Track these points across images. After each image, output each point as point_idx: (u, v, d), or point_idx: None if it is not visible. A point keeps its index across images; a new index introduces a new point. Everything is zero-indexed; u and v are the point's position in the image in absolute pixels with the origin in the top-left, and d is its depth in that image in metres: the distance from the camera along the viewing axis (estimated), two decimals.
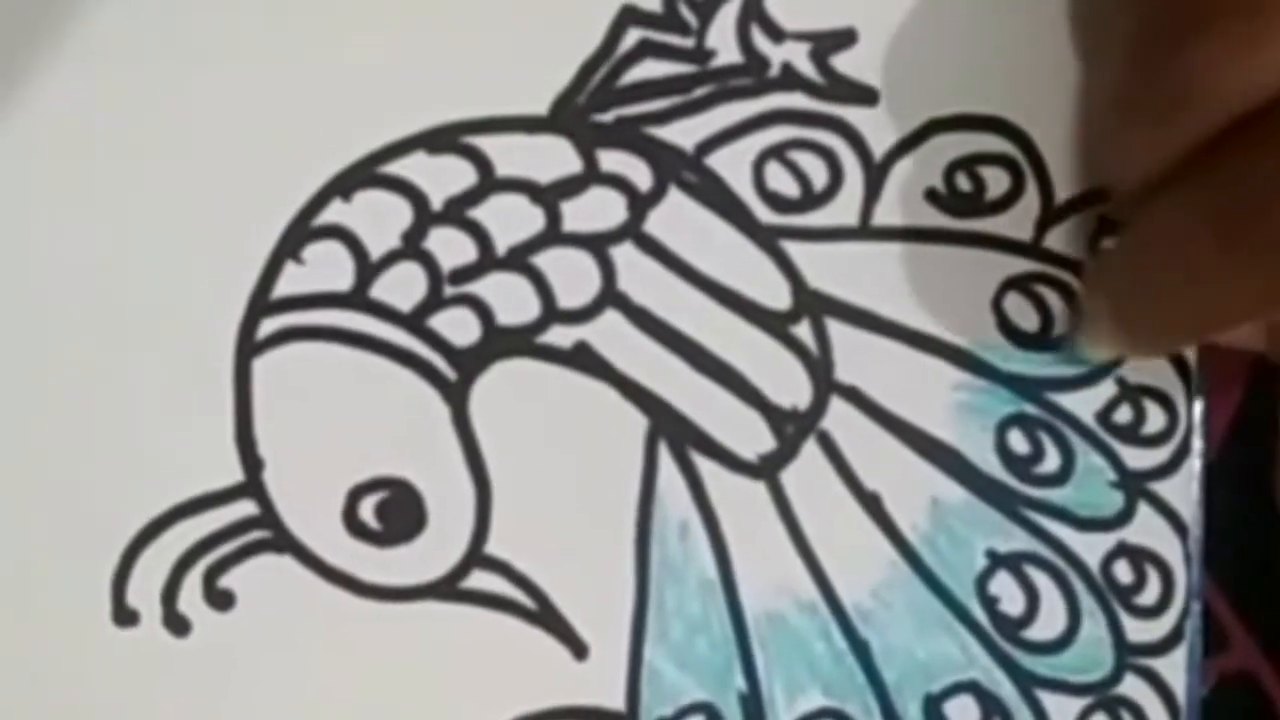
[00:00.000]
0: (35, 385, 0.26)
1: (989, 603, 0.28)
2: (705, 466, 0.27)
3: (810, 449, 0.28)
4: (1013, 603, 0.28)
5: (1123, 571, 0.29)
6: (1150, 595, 0.29)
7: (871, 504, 0.28)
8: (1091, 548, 0.29)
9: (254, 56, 0.26)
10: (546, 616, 0.27)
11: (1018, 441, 0.28)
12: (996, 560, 0.28)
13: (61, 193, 0.26)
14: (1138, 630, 0.29)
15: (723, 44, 0.28)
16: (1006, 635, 0.28)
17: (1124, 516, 0.29)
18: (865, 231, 0.28)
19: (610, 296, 0.27)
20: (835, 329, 0.28)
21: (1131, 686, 0.29)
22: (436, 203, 0.27)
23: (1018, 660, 0.28)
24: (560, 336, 0.27)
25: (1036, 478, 0.28)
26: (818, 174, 0.28)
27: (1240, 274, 0.23)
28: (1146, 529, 0.29)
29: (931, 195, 0.28)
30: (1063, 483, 0.28)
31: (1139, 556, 0.29)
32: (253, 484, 0.26)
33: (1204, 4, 0.23)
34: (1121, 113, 0.25)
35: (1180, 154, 0.24)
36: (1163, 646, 0.29)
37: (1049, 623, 0.28)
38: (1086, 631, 0.28)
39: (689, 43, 0.27)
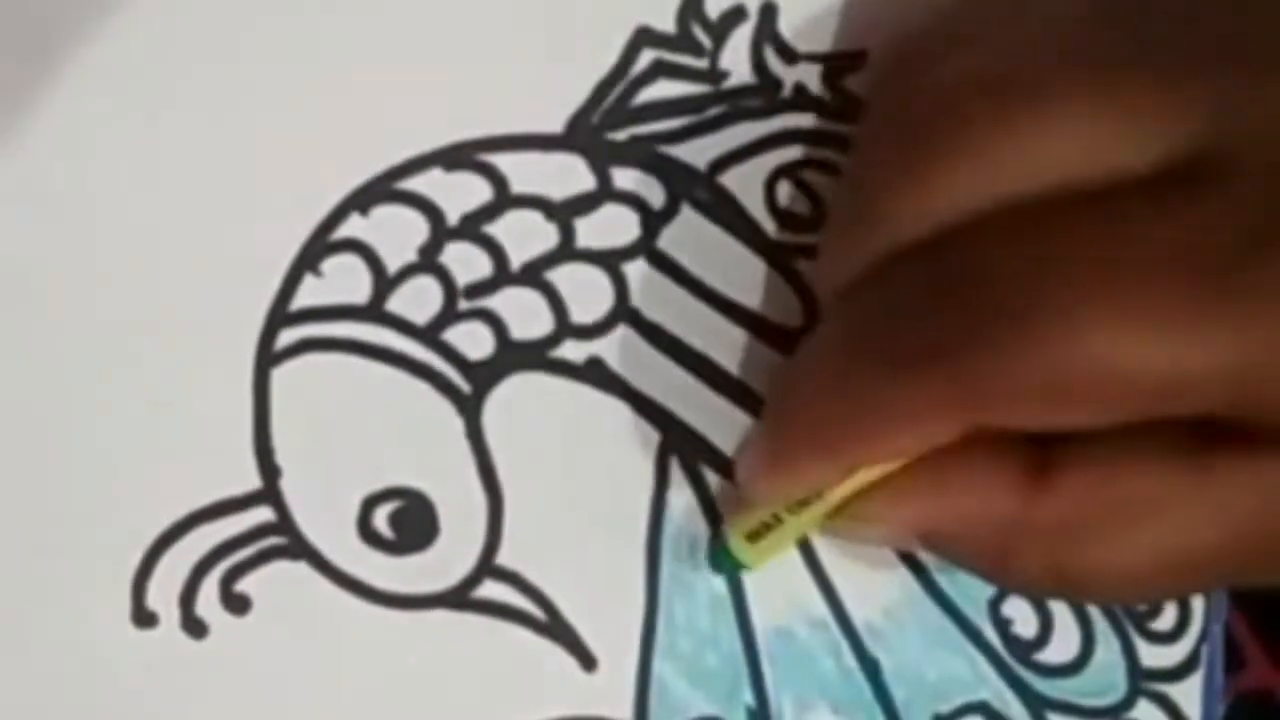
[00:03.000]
0: (59, 393, 0.26)
1: (1002, 625, 0.28)
2: (716, 482, 0.28)
3: None
4: (1026, 625, 0.28)
5: None
6: (1166, 621, 0.29)
7: None
8: None
9: (276, 76, 0.27)
10: (556, 628, 0.27)
11: None
12: None
13: (87, 204, 0.27)
14: (1153, 655, 0.29)
15: (736, 65, 0.28)
16: (1019, 657, 0.28)
17: None
18: None
19: (623, 312, 0.28)
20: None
21: (1145, 712, 0.28)
22: (453, 218, 0.27)
23: (1029, 682, 0.28)
24: (573, 351, 0.27)
25: None
26: (828, 192, 0.28)
27: (884, 378, 0.23)
28: None
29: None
30: None
31: None
32: (270, 491, 0.27)
33: (889, 130, 0.24)
34: (827, 226, 0.26)
35: (858, 271, 0.24)
36: (1178, 672, 0.29)
37: (1062, 646, 0.28)
38: (1100, 656, 0.28)
39: (703, 63, 0.28)
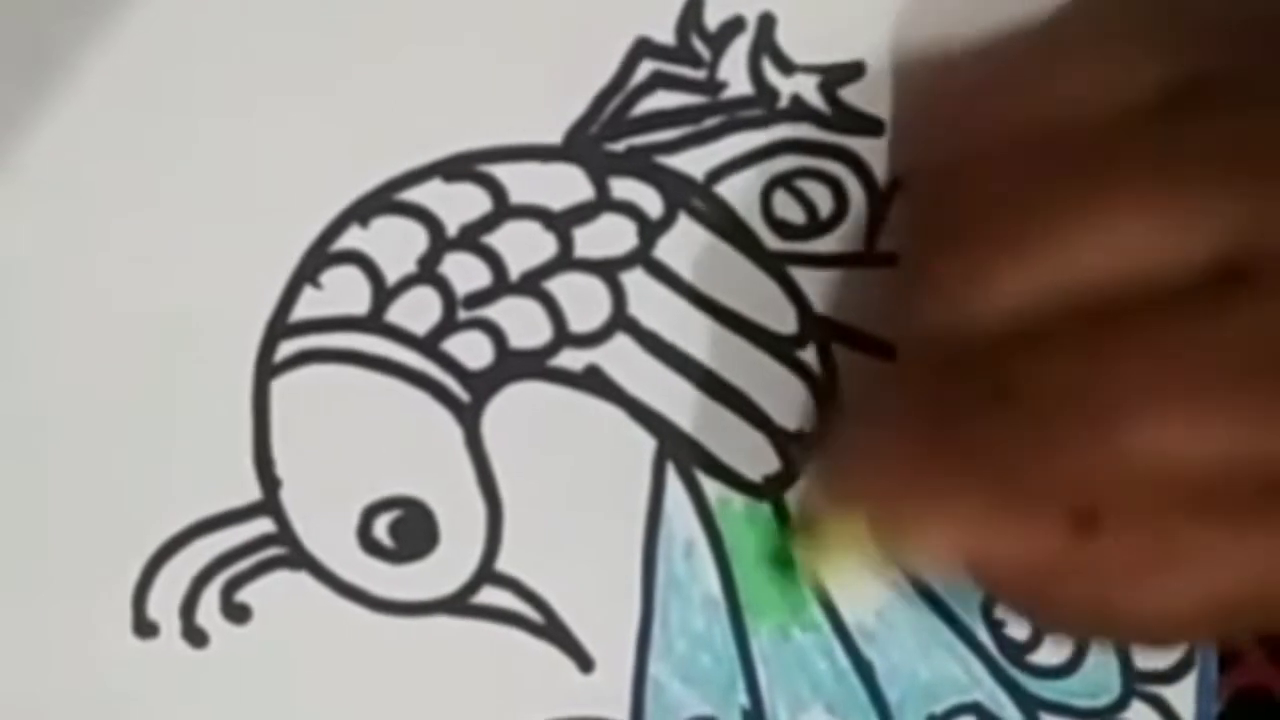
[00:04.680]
0: (59, 404, 0.27)
1: (995, 626, 0.28)
2: (711, 487, 0.28)
3: (815, 471, 0.28)
4: (1019, 627, 0.29)
5: None
6: None
7: None
8: None
9: (275, 86, 0.27)
10: (554, 631, 0.27)
11: None
12: None
13: (86, 216, 0.27)
14: (1146, 657, 0.29)
15: (734, 76, 0.28)
16: (1012, 659, 0.28)
17: None
18: (870, 258, 0.28)
19: (620, 321, 0.28)
20: (841, 353, 0.28)
21: (1139, 713, 0.29)
22: (452, 229, 0.27)
23: (1022, 684, 0.28)
24: (571, 360, 0.28)
25: None
26: (824, 202, 0.28)
27: (941, 467, 0.24)
28: None
29: None
30: None
31: None
32: (270, 502, 0.27)
33: (956, 218, 0.24)
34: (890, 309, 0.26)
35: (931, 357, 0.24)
36: (1172, 674, 0.29)
37: (1055, 647, 0.29)
38: (1093, 657, 0.29)
39: (701, 74, 0.28)
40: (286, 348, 0.27)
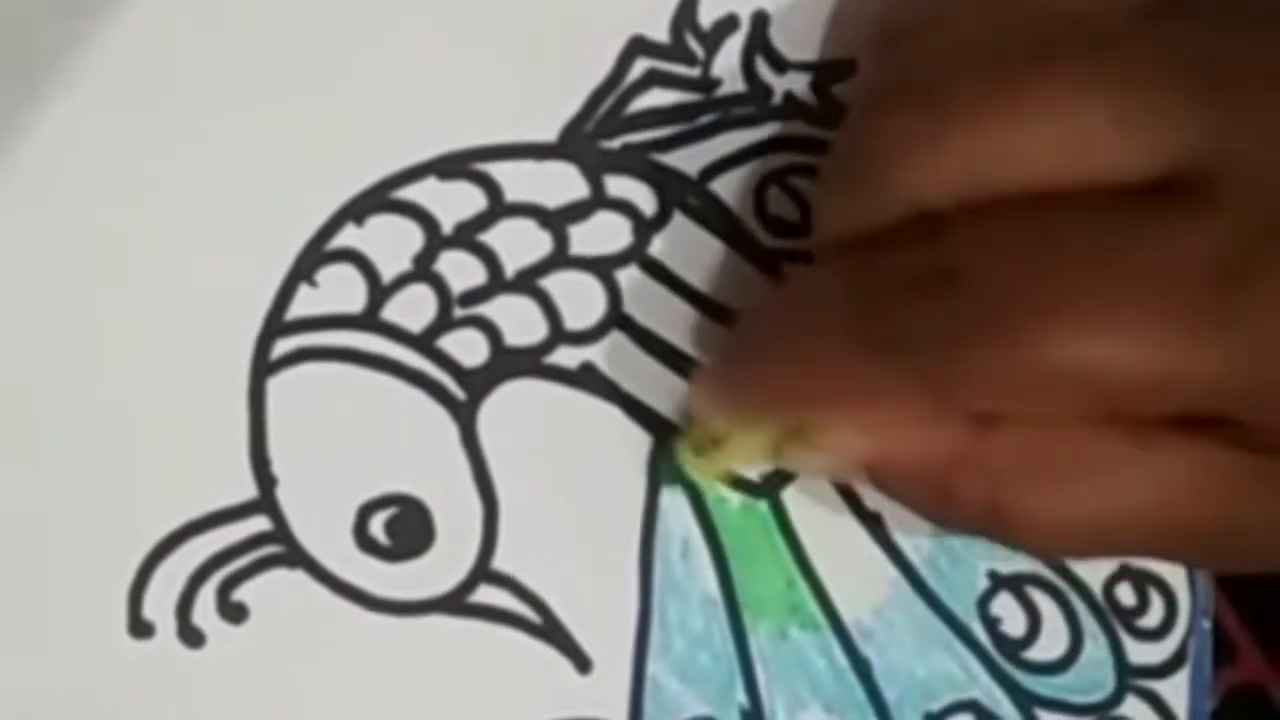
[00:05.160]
0: (55, 403, 0.26)
1: (990, 623, 0.29)
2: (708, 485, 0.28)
3: None
4: (1014, 623, 0.29)
5: (1125, 594, 0.29)
6: (1153, 618, 0.29)
7: (872, 524, 0.29)
8: (1094, 569, 0.29)
9: (269, 84, 0.27)
10: (551, 631, 0.27)
11: None
12: (998, 581, 0.29)
13: (80, 214, 0.27)
14: (1140, 652, 0.29)
15: (728, 74, 0.28)
16: (1008, 655, 0.28)
17: None
18: None
19: (616, 318, 0.28)
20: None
21: (1133, 708, 0.29)
22: (447, 227, 0.27)
23: (1018, 680, 0.29)
24: (567, 357, 0.28)
25: None
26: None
27: (858, 358, 0.23)
28: None
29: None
30: None
31: (1142, 579, 0.29)
32: (266, 500, 0.27)
33: (903, 84, 0.24)
34: (823, 173, 0.26)
35: (859, 230, 0.24)
36: (1166, 669, 0.29)
37: (1050, 644, 0.29)
38: (1088, 653, 0.29)
39: (695, 72, 0.28)
40: (282, 346, 0.27)
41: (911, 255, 0.23)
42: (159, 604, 0.26)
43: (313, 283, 0.27)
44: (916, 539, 0.29)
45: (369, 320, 0.27)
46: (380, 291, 0.27)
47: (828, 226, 0.25)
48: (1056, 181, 0.22)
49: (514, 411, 0.27)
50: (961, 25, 0.24)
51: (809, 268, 0.26)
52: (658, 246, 0.28)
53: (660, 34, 0.28)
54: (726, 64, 0.28)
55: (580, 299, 0.28)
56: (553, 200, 0.28)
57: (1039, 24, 0.23)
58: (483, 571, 0.27)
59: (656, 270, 0.28)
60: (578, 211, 0.28)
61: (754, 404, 0.25)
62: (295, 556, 0.27)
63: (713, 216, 0.28)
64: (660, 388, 0.28)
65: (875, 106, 0.24)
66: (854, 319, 0.23)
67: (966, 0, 0.24)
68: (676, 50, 0.28)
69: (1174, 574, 0.29)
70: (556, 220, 0.28)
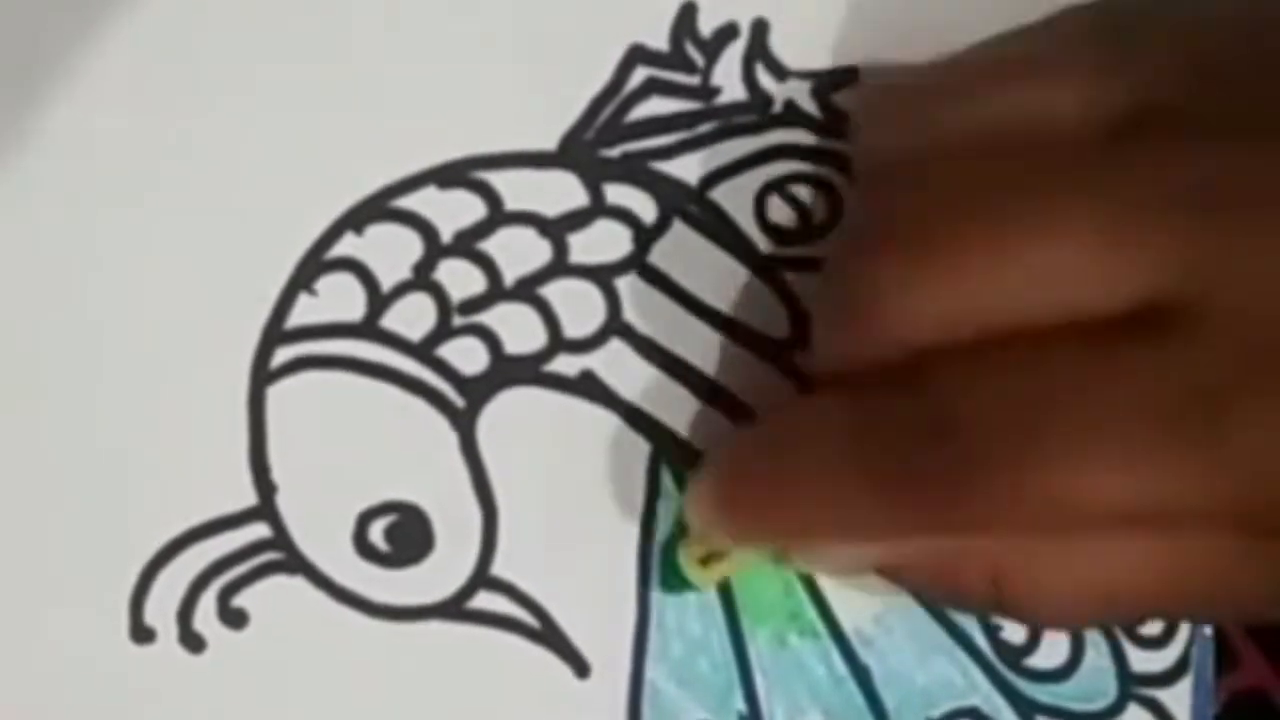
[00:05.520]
0: (56, 410, 0.27)
1: (991, 630, 0.28)
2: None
3: None
4: (1015, 631, 0.29)
5: None
6: (1155, 625, 0.29)
7: None
8: None
9: (269, 93, 0.27)
10: (550, 636, 0.27)
11: None
12: None
13: (81, 222, 0.27)
14: (1142, 660, 0.29)
15: (728, 81, 0.28)
16: (1008, 663, 0.28)
17: None
18: None
19: (615, 326, 0.28)
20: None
21: (1135, 716, 0.29)
22: (446, 235, 0.28)
23: (1019, 688, 0.28)
24: (566, 365, 0.28)
25: None
26: (817, 207, 0.28)
27: (859, 499, 0.24)
28: None
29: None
30: None
31: None
32: (266, 507, 0.27)
33: (887, 227, 0.24)
34: (817, 307, 0.26)
35: (853, 366, 0.24)
36: (1168, 677, 0.29)
37: (1051, 651, 0.29)
38: (1089, 661, 0.29)
39: (695, 80, 0.28)
40: (282, 354, 0.27)
41: (905, 399, 0.23)
42: (160, 610, 0.27)
43: (312, 291, 0.27)
44: None
45: (368, 329, 0.27)
46: (380, 300, 0.27)
47: (823, 361, 0.25)
48: (1040, 318, 0.23)
49: (513, 419, 0.27)
50: (938, 164, 0.24)
51: (809, 397, 0.26)
52: (657, 255, 0.28)
53: (660, 42, 0.28)
54: (726, 72, 0.28)
55: (580, 307, 0.28)
56: (552, 209, 0.28)
57: (1015, 158, 0.23)
58: (482, 578, 0.27)
59: (656, 278, 0.28)
60: (577, 220, 0.28)
61: (754, 533, 0.26)
62: (295, 563, 0.27)
63: (713, 225, 0.28)
64: (660, 396, 0.28)
65: (858, 249, 0.24)
66: (853, 459, 0.24)
67: (944, 134, 0.24)
68: (676, 58, 0.28)
69: None
70: (556, 228, 0.28)
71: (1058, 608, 0.25)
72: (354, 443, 0.27)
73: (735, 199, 0.28)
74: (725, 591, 0.28)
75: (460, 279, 0.27)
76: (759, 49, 0.28)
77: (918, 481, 0.23)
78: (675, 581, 0.27)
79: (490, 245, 0.28)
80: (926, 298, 0.23)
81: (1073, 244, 0.22)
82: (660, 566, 0.28)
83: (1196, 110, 0.23)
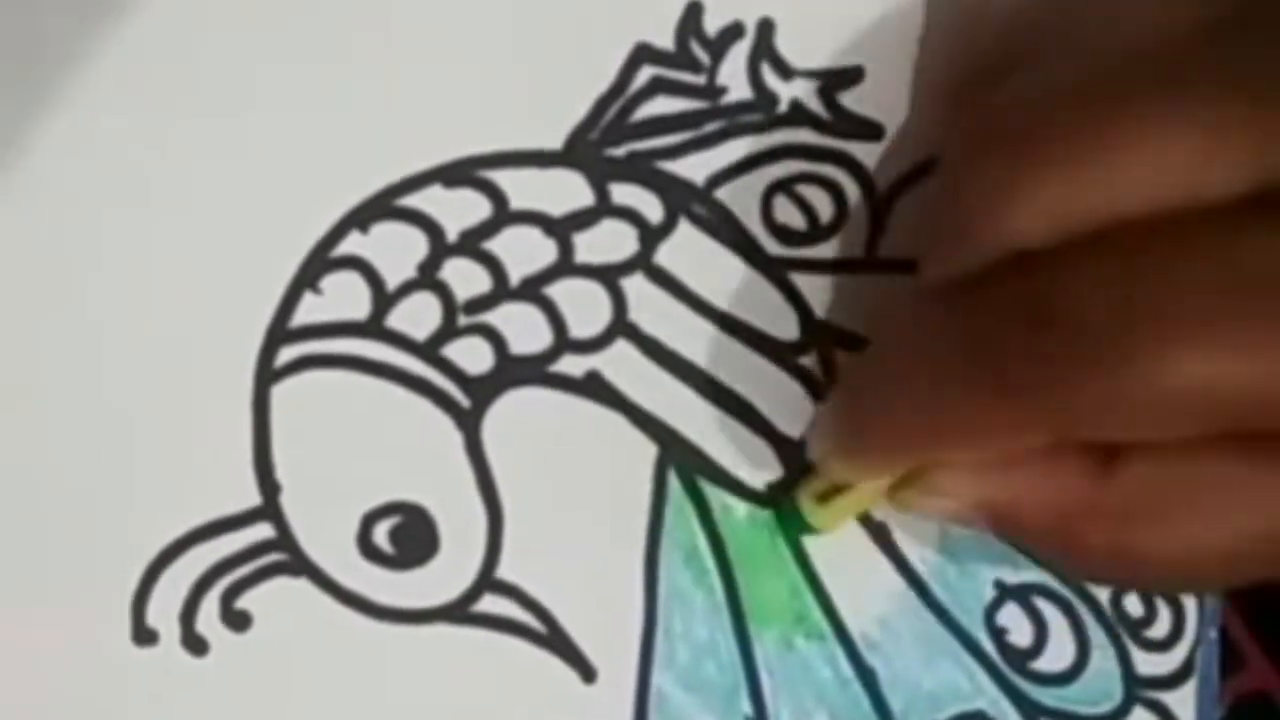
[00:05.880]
0: (59, 409, 0.26)
1: (997, 633, 0.28)
2: (714, 494, 0.28)
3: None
4: (1021, 634, 0.29)
5: (1133, 605, 0.29)
6: (1161, 629, 0.29)
7: (879, 534, 0.28)
8: None
9: (273, 92, 0.27)
10: (555, 640, 0.27)
11: None
12: (1005, 591, 0.29)
13: (86, 221, 0.27)
14: (1148, 663, 0.29)
15: (734, 81, 0.28)
16: (1014, 666, 0.28)
17: None
18: (870, 263, 0.28)
19: (621, 326, 0.28)
20: (843, 359, 0.28)
21: (1141, 719, 0.29)
22: (452, 235, 0.27)
23: (1025, 691, 0.28)
24: (572, 365, 0.28)
25: None
26: (824, 207, 0.28)
27: (963, 410, 0.24)
28: None
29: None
30: None
31: None
32: (270, 508, 0.27)
33: (987, 135, 0.24)
34: (924, 221, 0.26)
35: (961, 272, 0.24)
36: (1173, 680, 0.29)
37: (1057, 654, 0.29)
38: (1095, 664, 0.29)
39: (701, 80, 0.28)
40: (287, 353, 0.27)
41: (1017, 292, 0.23)
42: (163, 612, 0.26)
43: (317, 290, 0.27)
44: (923, 549, 0.29)
45: (373, 328, 0.27)
46: (385, 299, 0.27)
47: (931, 271, 0.25)
48: (1152, 209, 0.22)
49: (519, 420, 0.27)
50: (1039, 68, 0.24)
51: (915, 309, 0.25)
52: (663, 255, 0.28)
53: (665, 41, 0.28)
54: (732, 71, 0.28)
55: (585, 307, 0.28)
56: (558, 208, 0.28)
57: (1115, 59, 0.23)
58: (487, 580, 0.27)
59: (662, 278, 0.28)
60: (583, 219, 0.28)
61: (875, 450, 0.25)
62: (299, 564, 0.27)
63: (719, 225, 0.28)
64: (666, 397, 0.28)
65: (965, 157, 0.24)
66: (967, 360, 0.23)
67: (1041, 39, 0.24)
68: (682, 58, 0.28)
69: None
70: (561, 228, 0.28)
71: (1184, 564, 0.24)
72: (359, 443, 0.27)
73: (741, 199, 0.28)
74: (731, 593, 0.28)
75: (465, 278, 0.27)
76: (765, 48, 0.28)
77: (1028, 373, 0.23)
78: (794, 525, 0.27)
79: (495, 244, 0.27)
80: (1035, 200, 0.23)
81: (1186, 130, 0.22)
82: (779, 515, 0.28)
83: None
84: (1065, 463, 0.24)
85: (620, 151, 0.28)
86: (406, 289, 0.27)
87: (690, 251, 0.28)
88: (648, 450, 0.28)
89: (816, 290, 0.28)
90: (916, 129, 0.28)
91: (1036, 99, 0.24)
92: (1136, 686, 0.29)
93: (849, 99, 0.28)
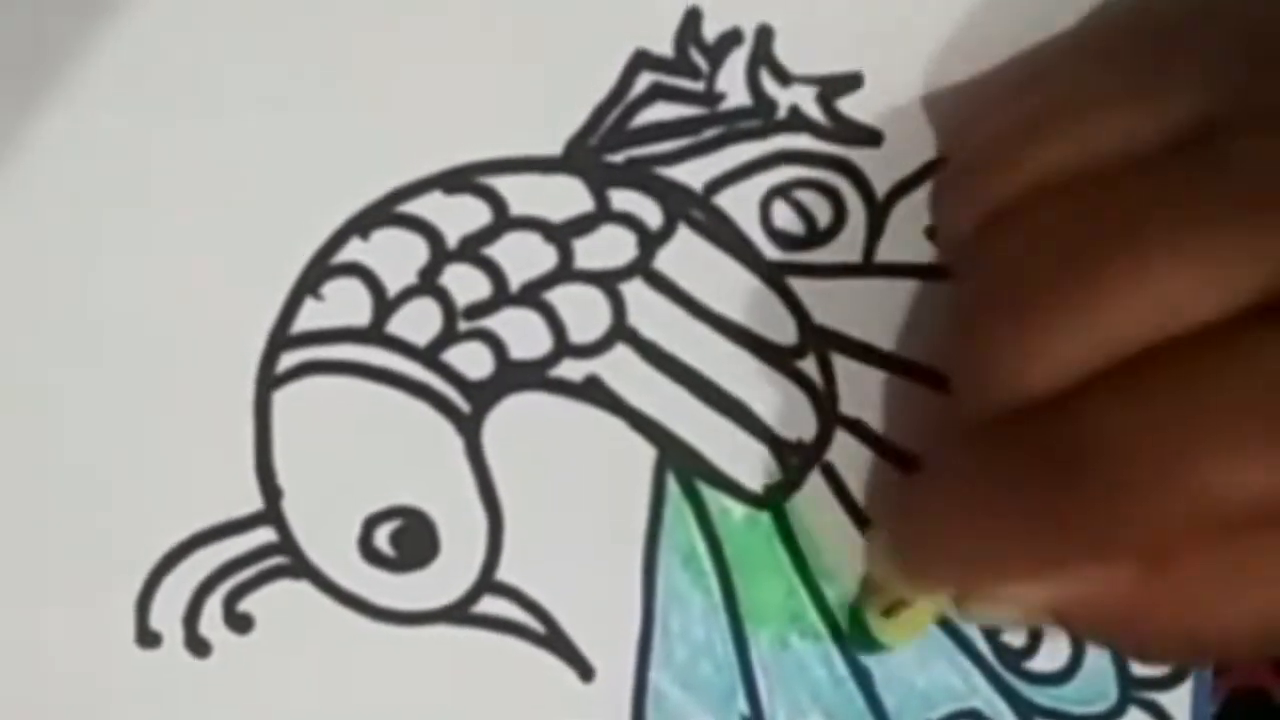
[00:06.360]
0: (61, 414, 0.27)
1: (992, 633, 0.29)
2: (711, 496, 0.28)
3: (815, 480, 0.28)
4: (1016, 633, 0.29)
5: None
6: None
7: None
8: None
9: (274, 98, 0.27)
10: (554, 640, 0.27)
11: None
12: None
13: (86, 227, 0.27)
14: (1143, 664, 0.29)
15: (732, 87, 0.28)
16: (1009, 665, 0.29)
17: None
18: (868, 268, 0.28)
19: (620, 331, 0.28)
20: (840, 363, 0.28)
21: (1135, 719, 0.29)
22: (452, 241, 0.28)
23: (1019, 690, 0.29)
24: (571, 370, 0.28)
25: None
26: (822, 212, 0.28)
27: (1027, 531, 0.24)
28: None
29: (932, 233, 0.28)
30: None
31: None
32: (272, 512, 0.27)
33: (1009, 281, 0.25)
34: (956, 369, 0.26)
35: (1001, 413, 0.24)
36: (1169, 680, 0.29)
37: (1052, 654, 0.29)
38: (1090, 663, 0.29)
39: (699, 86, 0.28)
40: (288, 359, 0.27)
41: (1046, 433, 0.24)
42: (166, 614, 0.27)
43: (318, 296, 0.27)
44: None
45: (374, 334, 0.27)
46: (385, 305, 0.27)
47: (971, 415, 0.25)
48: (1159, 339, 0.23)
49: (519, 424, 0.28)
50: (1034, 213, 0.25)
51: (964, 439, 0.26)
52: (663, 260, 0.28)
53: (664, 48, 0.28)
54: (731, 78, 0.28)
55: (585, 312, 0.28)
56: (557, 214, 0.28)
57: (1109, 189, 0.24)
58: (487, 582, 0.27)
59: (661, 284, 0.28)
60: (582, 225, 0.28)
61: (936, 577, 0.26)
62: (301, 567, 0.27)
63: (718, 230, 0.28)
64: (665, 401, 0.28)
65: (977, 311, 0.25)
66: (1013, 494, 0.24)
67: (1022, 187, 0.25)
68: (681, 64, 0.28)
69: None
70: (561, 234, 0.28)
71: (1257, 636, 0.24)
72: (359, 447, 0.27)
73: (740, 204, 0.28)
74: (728, 594, 0.28)
75: (466, 284, 0.27)
76: (763, 55, 0.28)
77: (1071, 504, 0.23)
78: (861, 641, 0.28)
79: (496, 250, 0.28)
80: (1065, 340, 0.24)
81: (1175, 266, 0.23)
82: (848, 625, 0.28)
83: (1257, 110, 0.24)
84: (1118, 566, 0.24)
85: (619, 157, 0.28)
86: (407, 295, 0.27)
87: (689, 257, 0.28)
88: (646, 454, 0.28)
89: (815, 295, 0.28)
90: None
91: (1041, 244, 0.24)
92: (1131, 686, 0.29)
93: (847, 105, 0.28)
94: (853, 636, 0.28)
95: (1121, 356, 0.23)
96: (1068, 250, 0.24)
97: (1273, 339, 0.22)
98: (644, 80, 0.28)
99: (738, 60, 0.28)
